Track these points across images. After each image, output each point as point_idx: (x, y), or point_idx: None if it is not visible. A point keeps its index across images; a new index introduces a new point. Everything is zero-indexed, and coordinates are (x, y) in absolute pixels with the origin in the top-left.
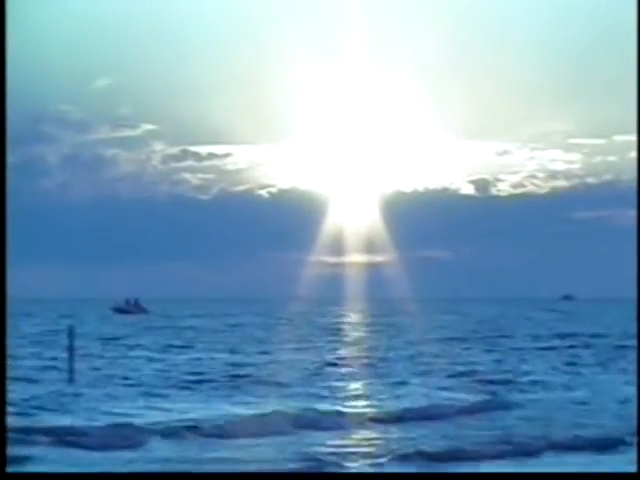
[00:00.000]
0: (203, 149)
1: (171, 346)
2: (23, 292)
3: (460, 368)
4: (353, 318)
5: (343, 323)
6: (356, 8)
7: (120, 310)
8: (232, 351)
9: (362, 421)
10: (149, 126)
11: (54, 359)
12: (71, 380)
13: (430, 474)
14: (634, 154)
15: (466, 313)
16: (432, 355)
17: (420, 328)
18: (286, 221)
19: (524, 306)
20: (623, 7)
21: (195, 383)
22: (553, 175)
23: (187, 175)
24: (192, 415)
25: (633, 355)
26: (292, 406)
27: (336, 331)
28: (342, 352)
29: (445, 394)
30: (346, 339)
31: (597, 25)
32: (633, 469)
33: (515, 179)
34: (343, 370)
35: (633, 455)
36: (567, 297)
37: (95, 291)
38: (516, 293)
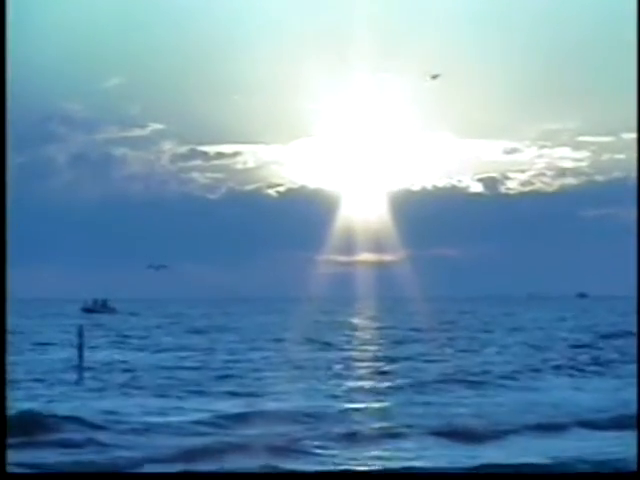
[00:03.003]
0: (212, 148)
1: None
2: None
3: None
4: None
5: None
6: (363, 10)
7: (88, 310)
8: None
9: None
10: (158, 125)
11: None
12: (80, 379)
13: (430, 474)
14: None
15: None
16: None
17: None
18: (295, 220)
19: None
20: (628, 6)
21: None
22: (562, 173)
23: (196, 174)
24: None
25: None
26: None
27: None
28: None
29: None
30: None
31: (606, 23)
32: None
33: (524, 177)
34: None
35: None
36: (581, 295)
37: (101, 291)
38: (529, 291)
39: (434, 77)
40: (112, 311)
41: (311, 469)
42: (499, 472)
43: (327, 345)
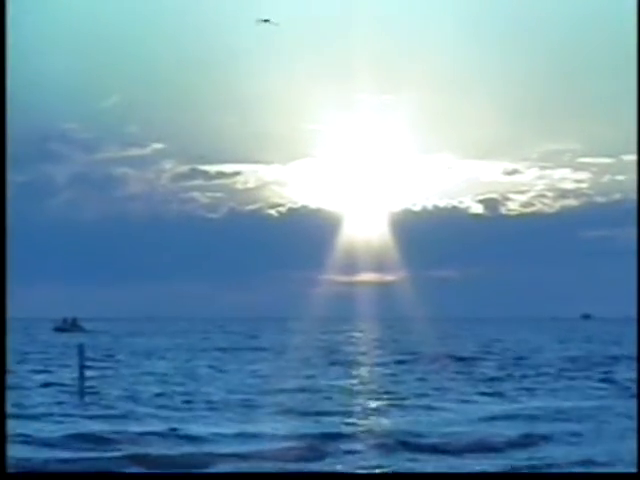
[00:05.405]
0: (212, 168)
1: None
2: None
3: None
4: None
5: None
6: (365, 31)
7: (59, 329)
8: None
9: None
10: (158, 145)
11: None
12: (82, 396)
13: (430, 474)
14: None
15: None
16: None
17: None
18: (296, 240)
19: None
20: (630, 28)
21: None
22: (562, 194)
23: (196, 194)
24: None
25: None
26: None
27: None
28: None
29: None
30: None
31: (609, 45)
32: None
33: (524, 198)
34: None
35: None
36: (586, 316)
37: (98, 310)
38: (531, 313)
39: (265, 21)
40: (82, 330)
41: None
42: (499, 472)
43: None
